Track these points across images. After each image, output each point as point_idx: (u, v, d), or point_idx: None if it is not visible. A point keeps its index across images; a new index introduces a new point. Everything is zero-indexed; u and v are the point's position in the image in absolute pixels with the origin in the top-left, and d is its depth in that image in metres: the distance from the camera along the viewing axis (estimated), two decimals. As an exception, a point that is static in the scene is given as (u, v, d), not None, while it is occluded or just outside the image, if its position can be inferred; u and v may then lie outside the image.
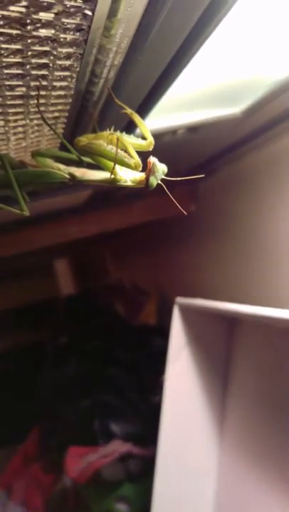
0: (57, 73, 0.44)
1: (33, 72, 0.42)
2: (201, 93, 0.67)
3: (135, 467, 1.28)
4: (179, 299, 0.94)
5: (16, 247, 1.39)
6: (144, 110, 0.55)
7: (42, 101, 0.49)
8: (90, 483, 1.30)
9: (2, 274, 2.89)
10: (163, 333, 1.66)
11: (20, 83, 0.44)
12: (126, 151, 0.43)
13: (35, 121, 0.54)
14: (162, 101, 0.59)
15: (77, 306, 2.33)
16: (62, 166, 0.49)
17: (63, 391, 1.50)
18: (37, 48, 0.38)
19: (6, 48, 0.37)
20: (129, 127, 0.55)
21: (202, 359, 0.95)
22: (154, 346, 1.58)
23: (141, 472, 1.28)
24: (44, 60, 0.41)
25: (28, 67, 0.41)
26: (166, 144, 0.82)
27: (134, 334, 1.70)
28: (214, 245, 1.41)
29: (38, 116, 0.53)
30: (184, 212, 0.46)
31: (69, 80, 0.46)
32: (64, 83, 0.46)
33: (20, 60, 0.39)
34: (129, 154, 0.43)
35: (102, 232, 1.44)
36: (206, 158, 1.14)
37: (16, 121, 0.52)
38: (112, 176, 0.45)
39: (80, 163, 0.47)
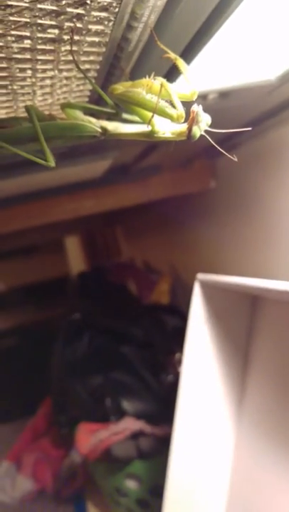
0: (94, 13, 0.40)
1: (69, 9, 0.38)
2: (238, 54, 0.62)
3: (146, 445, 1.27)
4: (200, 275, 0.91)
5: (28, 220, 1.36)
6: (185, 60, 0.50)
7: (74, 48, 0.45)
8: (100, 460, 1.30)
9: (13, 250, 2.88)
10: (176, 312, 1.65)
11: (54, 23, 0.40)
12: (167, 100, 0.40)
13: (65, 73, 0.51)
14: (199, 58, 0.55)
15: (89, 282, 2.31)
16: (93, 119, 0.46)
17: (75, 367, 1.48)
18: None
19: (43, -24, 0.33)
20: (168, 79, 0.51)
21: (222, 337, 0.93)
22: (168, 325, 1.56)
23: (152, 450, 1.27)
24: (82, -5, 0.37)
25: (64, 2, 0.37)
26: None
27: (148, 312, 1.68)
28: (233, 224, 1.37)
29: (68, 67, 0.50)
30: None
31: (106, 23, 0.42)
32: (100, 27, 0.42)
33: (56, -8, 0.36)
34: (171, 103, 0.39)
35: (117, 207, 1.40)
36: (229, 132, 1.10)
37: (44, 71, 0.49)
38: (150, 128, 0.41)
39: (114, 115, 0.43)
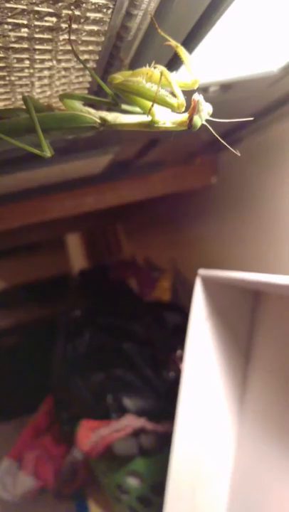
0: (92, 0, 0.39)
1: (67, -5, 0.38)
2: (240, 45, 0.61)
3: (148, 442, 1.27)
4: (202, 271, 0.90)
5: (28, 217, 1.35)
6: (186, 49, 0.50)
7: (72, 37, 0.44)
8: (101, 457, 1.29)
9: (14, 248, 2.87)
10: (177, 309, 1.64)
11: (51, 10, 0.39)
12: (167, 89, 0.39)
13: (63, 64, 0.50)
14: (200, 48, 0.54)
15: (90, 280, 2.30)
16: (92, 110, 0.45)
17: (77, 365, 1.48)
18: None
19: None
20: (168, 69, 0.50)
21: (224, 332, 0.92)
22: (169, 322, 1.55)
23: (153, 448, 1.26)
24: (80, -19, 0.36)
25: (61, -12, 0.36)
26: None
27: (148, 309, 1.67)
28: (234, 219, 1.36)
29: (67, 57, 0.49)
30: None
31: (104, 10, 0.41)
32: (99, 15, 0.41)
33: (53, -23, 0.35)
34: (172, 92, 0.38)
35: (118, 203, 1.39)
36: (231, 126, 1.09)
37: (42, 61, 0.48)
38: (150, 118, 0.40)
39: (114, 106, 0.42)
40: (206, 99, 0.72)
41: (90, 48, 0.48)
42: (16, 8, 0.37)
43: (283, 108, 0.91)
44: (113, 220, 2.70)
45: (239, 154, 0.41)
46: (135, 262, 2.47)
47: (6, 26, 0.39)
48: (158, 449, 1.25)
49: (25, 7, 0.37)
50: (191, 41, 0.51)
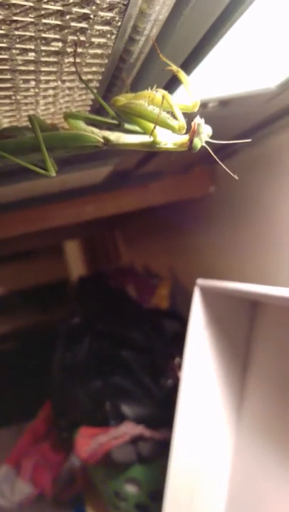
0: (97, 27, 0.41)
1: (73, 24, 0.39)
2: (238, 62, 0.63)
3: (146, 450, 1.27)
4: (200, 281, 0.92)
5: (29, 225, 1.36)
6: (185, 71, 0.51)
7: (77, 60, 0.46)
8: (99, 464, 1.30)
9: (13, 254, 2.89)
10: (176, 316, 1.65)
11: (58, 37, 0.41)
12: (169, 111, 0.40)
13: (67, 84, 0.52)
14: (200, 67, 0.56)
15: (89, 287, 2.32)
16: (95, 130, 0.47)
17: (75, 371, 1.49)
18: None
19: (48, -8, 0.34)
20: (168, 89, 0.52)
21: (222, 342, 0.93)
22: (167, 330, 1.56)
23: (151, 455, 1.27)
24: (85, 10, 0.38)
25: (67, 17, 0.38)
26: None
27: (147, 317, 1.69)
28: (232, 229, 1.38)
29: (71, 78, 0.50)
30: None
31: (108, 36, 0.43)
32: (103, 40, 0.43)
33: (60, 7, 0.37)
34: (173, 115, 0.40)
35: (118, 212, 1.41)
36: (229, 139, 1.11)
37: (47, 82, 0.50)
38: (152, 139, 0.42)
39: (116, 126, 0.44)
40: (205, 115, 0.74)
41: (94, 69, 0.49)
42: (25, 35, 0.39)
43: (279, 122, 0.93)
44: (112, 228, 2.72)
45: (237, 178, 0.42)
46: (134, 269, 2.49)
47: (14, 51, 0.41)
48: (156, 456, 1.26)
49: (33, 34, 0.39)
50: (191, 62, 0.53)
